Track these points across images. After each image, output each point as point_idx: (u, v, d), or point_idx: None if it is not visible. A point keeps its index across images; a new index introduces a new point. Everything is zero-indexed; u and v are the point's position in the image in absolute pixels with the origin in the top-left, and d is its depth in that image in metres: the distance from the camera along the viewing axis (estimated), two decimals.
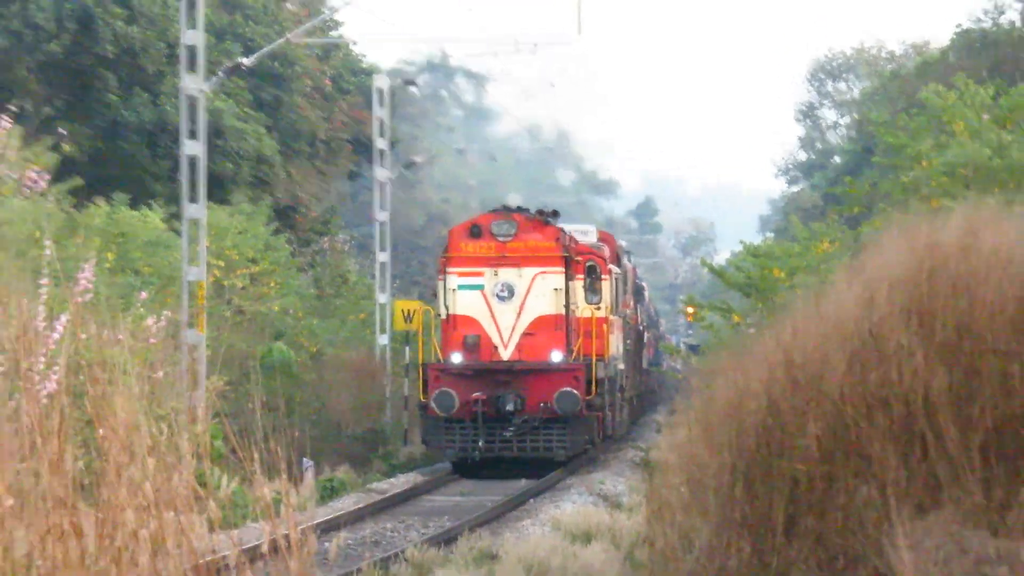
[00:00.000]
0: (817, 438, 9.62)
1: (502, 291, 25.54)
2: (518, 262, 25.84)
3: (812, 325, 10.35)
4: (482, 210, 30.54)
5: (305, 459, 24.27)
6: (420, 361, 26.32)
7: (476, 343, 25.38)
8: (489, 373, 25.42)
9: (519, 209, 27.41)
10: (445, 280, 25.93)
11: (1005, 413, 9.28)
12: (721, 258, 45.10)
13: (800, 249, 25.40)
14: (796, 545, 9.67)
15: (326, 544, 10.10)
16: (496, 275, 25.73)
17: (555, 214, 27.95)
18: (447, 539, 17.91)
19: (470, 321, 25.42)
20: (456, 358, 25.36)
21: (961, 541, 9.01)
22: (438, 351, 25.96)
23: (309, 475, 23.48)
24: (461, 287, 25.71)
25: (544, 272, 25.79)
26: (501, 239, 26.05)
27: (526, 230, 26.36)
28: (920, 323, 9.63)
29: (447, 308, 25.55)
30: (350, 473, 25.64)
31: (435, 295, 26.60)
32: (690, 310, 40.24)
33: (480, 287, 25.67)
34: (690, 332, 43.62)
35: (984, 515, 9.16)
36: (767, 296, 22.60)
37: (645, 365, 42.46)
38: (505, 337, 25.54)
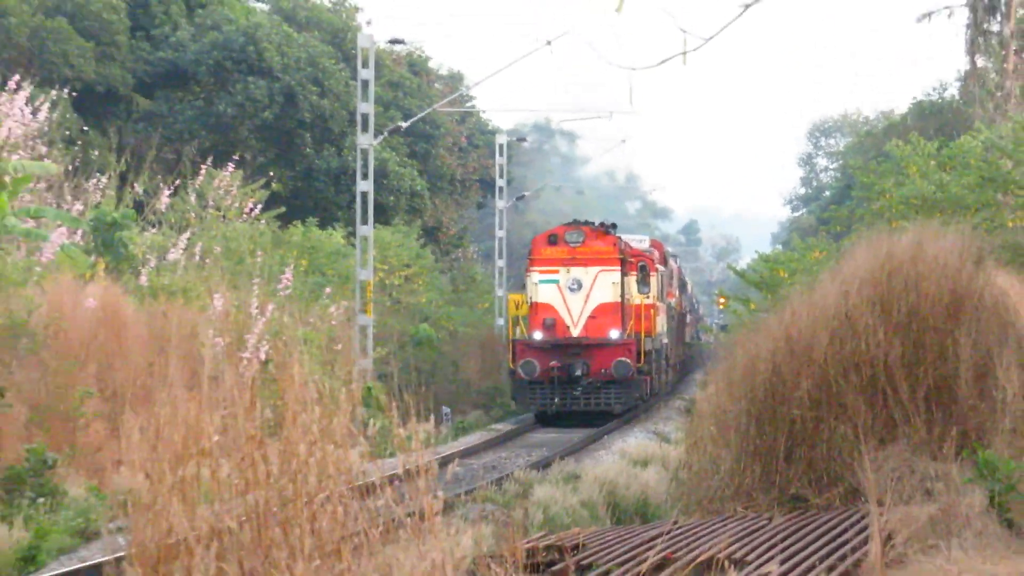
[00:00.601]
0: (808, 391, 11.20)
1: (573, 284, 26.56)
2: (585, 262, 26.80)
3: (804, 310, 11.92)
4: None
5: (444, 408, 26.94)
6: (510, 337, 27.77)
7: (553, 324, 26.35)
8: (562, 346, 26.36)
9: (586, 222, 28.51)
10: (530, 276, 27.05)
11: (941, 373, 10.98)
12: (743, 263, 47.52)
13: (798, 257, 27.81)
14: (793, 468, 11.31)
15: (455, 468, 11.84)
16: (568, 272, 26.76)
17: (613, 226, 29.01)
18: (544, 464, 19.11)
19: (548, 307, 26.39)
20: (537, 335, 26.31)
21: (910, 464, 10.57)
22: (524, 330, 27.13)
23: (447, 419, 26.26)
24: (542, 281, 26.73)
25: (604, 270, 26.79)
26: (572, 245, 27.09)
27: (591, 238, 27.36)
28: (882, 309, 11.17)
29: (531, 297, 26.74)
30: (477, 418, 28.44)
31: (523, 287, 27.85)
32: (721, 300, 43.65)
33: (556, 281, 26.69)
34: (721, 316, 45.15)
35: (927, 446, 10.77)
36: (774, 290, 24.82)
37: (687, 339, 44.41)
38: (575, 319, 26.52)
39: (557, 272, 26.78)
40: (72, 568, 11.49)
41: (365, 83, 26.63)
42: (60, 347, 15.89)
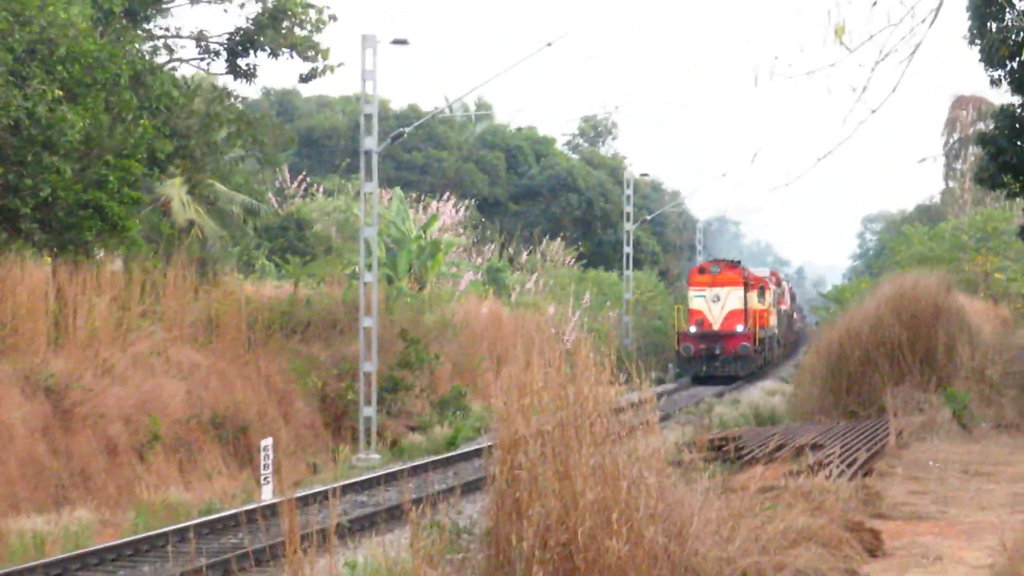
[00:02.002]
0: (858, 357, 14.74)
1: (714, 298, 29.64)
2: (722, 284, 29.80)
3: (858, 314, 15.68)
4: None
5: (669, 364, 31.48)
6: (676, 329, 30.94)
7: (701, 321, 29.26)
8: (708, 336, 29.07)
9: (722, 260, 31.83)
10: (688, 292, 30.56)
11: (928, 348, 14.55)
12: (827, 289, 53.08)
13: (854, 286, 34.46)
14: (850, 397, 14.71)
15: (670, 396, 16.05)
16: (712, 290, 29.71)
17: (738, 262, 31.91)
18: (719, 395, 22.89)
19: (699, 312, 29.56)
20: (692, 328, 29.27)
21: (912, 395, 13.78)
22: (685, 325, 29.94)
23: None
24: (695, 296, 30.01)
25: (733, 289, 29.71)
26: (713, 273, 30.13)
27: (725, 269, 30.28)
28: (897, 315, 14.72)
29: (688, 305, 30.05)
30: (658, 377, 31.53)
31: (685, 299, 31.31)
32: (816, 308, 47.63)
33: (704, 296, 29.68)
34: (816, 318, 47.66)
35: (920, 386, 13.95)
36: (843, 303, 29.19)
37: (796, 330, 47.39)
38: (715, 319, 29.38)
39: (704, 290, 29.79)
40: (472, 448, 15.30)
41: (629, 196, 33.96)
42: (469, 334, 20.93)
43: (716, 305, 29.55)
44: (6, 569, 8.86)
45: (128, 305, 13.66)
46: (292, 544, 5.39)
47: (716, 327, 29.26)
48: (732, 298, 29.73)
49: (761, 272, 35.07)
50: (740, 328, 29.30)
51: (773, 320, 34.09)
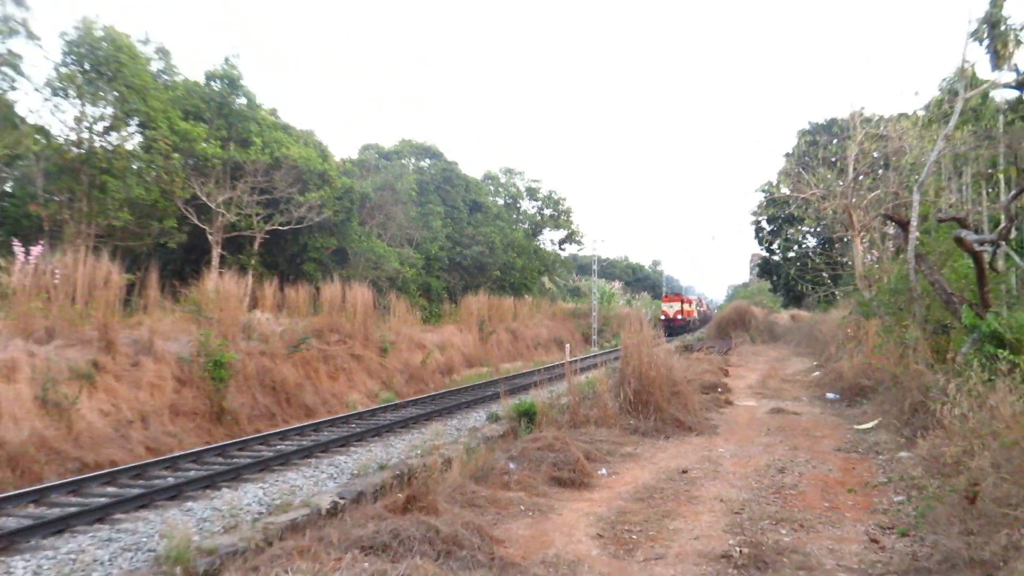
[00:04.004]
0: (724, 323, 48.53)
1: (670, 306, 60.02)
2: (672, 300, 59.47)
3: (726, 311, 48.70)
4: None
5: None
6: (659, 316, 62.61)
7: (667, 315, 59.04)
8: (668, 319, 59.25)
9: (672, 292, 66.99)
10: (662, 303, 61.92)
11: (743, 321, 47.59)
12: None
13: (730, 302, 68.59)
14: (722, 334, 47.82)
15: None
16: (669, 303, 59.17)
17: (679, 293, 66.59)
18: (672, 338, 57.17)
19: (666, 311, 59.13)
20: (662, 316, 58.29)
21: (739, 334, 46.73)
22: (660, 315, 60.50)
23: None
24: (664, 305, 59.08)
25: (675, 303, 60.59)
26: (670, 296, 62.30)
27: (673, 296, 63.32)
28: (734, 310, 48.30)
29: (662, 307, 60.54)
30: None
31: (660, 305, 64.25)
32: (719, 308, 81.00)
33: (668, 305, 60.39)
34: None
35: (741, 330, 47.00)
36: (722, 307, 63.65)
37: (708, 316, 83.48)
38: (671, 313, 59.76)
39: (667, 303, 59.71)
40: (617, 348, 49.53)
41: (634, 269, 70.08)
42: (619, 316, 54.55)
43: (671, 308, 59.04)
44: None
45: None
46: (568, 370, 18.88)
47: (671, 316, 59.29)
48: (676, 305, 59.57)
49: (692, 296, 70.75)
50: (679, 317, 59.41)
51: (695, 314, 66.99)
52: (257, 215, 27.67)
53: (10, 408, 12.83)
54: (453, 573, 6.38)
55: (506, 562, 7.09)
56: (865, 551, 7.88)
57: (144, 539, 9.13)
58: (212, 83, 28.19)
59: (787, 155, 36.09)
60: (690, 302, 62.33)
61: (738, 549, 7.81)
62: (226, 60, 28.40)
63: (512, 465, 11.06)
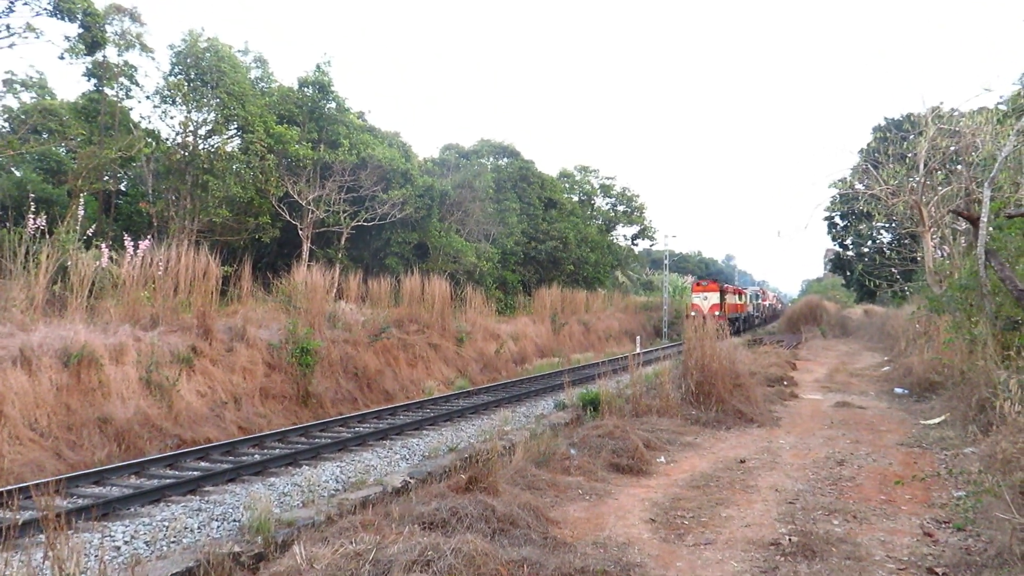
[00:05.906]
0: (796, 317, 46.93)
1: (703, 298, 43.52)
2: (707, 290, 44.08)
3: (797, 305, 46.93)
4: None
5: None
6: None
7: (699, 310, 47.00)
8: (702, 317, 57.25)
9: (707, 277, 59.31)
10: (693, 295, 45.55)
11: (814, 316, 46.17)
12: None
13: (804, 295, 65.26)
14: (793, 328, 46.53)
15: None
16: (702, 293, 44.18)
17: (716, 279, 55.09)
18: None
19: (697, 306, 42.63)
20: (695, 312, 38.29)
21: (809, 329, 45.31)
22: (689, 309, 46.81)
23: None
24: (695, 297, 43.95)
25: (714, 292, 43.75)
26: (703, 284, 45.02)
27: (710, 283, 45.54)
28: (806, 305, 46.78)
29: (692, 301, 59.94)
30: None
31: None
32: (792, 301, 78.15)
33: (699, 298, 44.29)
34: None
35: (812, 325, 45.55)
36: (795, 301, 61.19)
37: (776, 311, 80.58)
38: (705, 309, 42.72)
39: (699, 294, 44.18)
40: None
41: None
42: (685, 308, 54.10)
43: (705, 301, 43.85)
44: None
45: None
46: (632, 361, 21.77)
47: (705, 311, 42.47)
48: (713, 297, 43.86)
49: (754, 289, 57.12)
50: (718, 313, 42.42)
51: (749, 308, 51.00)
52: (344, 212, 28.34)
53: (119, 388, 13.51)
54: (503, 548, 6.44)
55: (558, 541, 7.11)
56: (917, 544, 7.60)
57: (230, 510, 9.49)
58: (305, 89, 28.95)
59: (861, 151, 34.87)
60: (741, 293, 49.73)
61: (788, 537, 7.64)
62: (318, 67, 29.14)
63: (573, 451, 11.06)
